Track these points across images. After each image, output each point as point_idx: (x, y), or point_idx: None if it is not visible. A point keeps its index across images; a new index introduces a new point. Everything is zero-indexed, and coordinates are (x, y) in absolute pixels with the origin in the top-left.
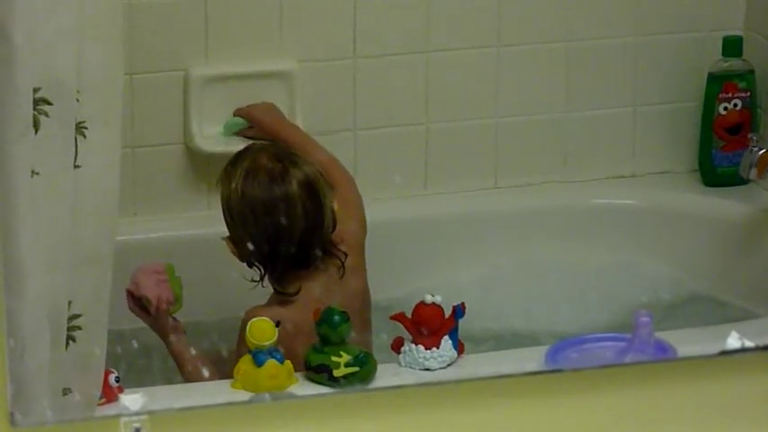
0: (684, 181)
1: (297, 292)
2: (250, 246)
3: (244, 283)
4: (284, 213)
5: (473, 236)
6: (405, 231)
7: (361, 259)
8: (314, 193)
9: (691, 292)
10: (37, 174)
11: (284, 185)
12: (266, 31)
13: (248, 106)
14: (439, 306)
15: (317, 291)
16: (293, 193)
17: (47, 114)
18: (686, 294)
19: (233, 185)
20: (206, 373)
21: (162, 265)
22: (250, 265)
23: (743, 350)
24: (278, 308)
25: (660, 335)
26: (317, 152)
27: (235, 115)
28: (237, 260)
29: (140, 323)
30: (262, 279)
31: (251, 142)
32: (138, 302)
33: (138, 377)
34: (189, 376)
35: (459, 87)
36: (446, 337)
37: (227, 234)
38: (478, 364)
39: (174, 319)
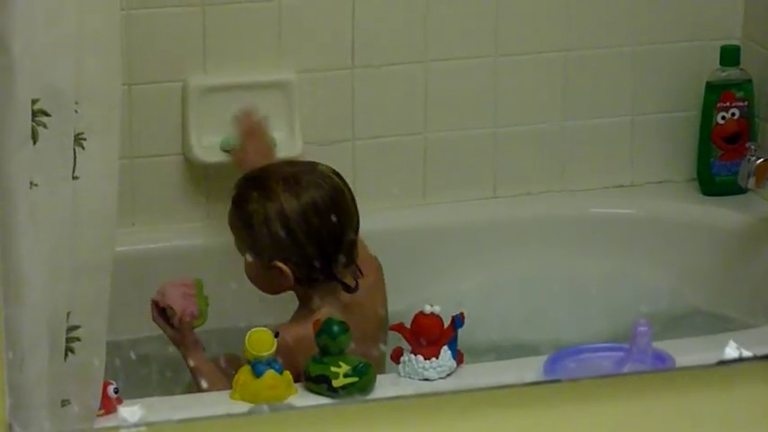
0: (683, 190)
1: (356, 287)
2: (314, 255)
3: (241, 294)
4: (342, 206)
5: (472, 245)
6: (403, 241)
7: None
8: (345, 185)
9: (689, 302)
10: (35, 185)
11: (329, 180)
12: (265, 42)
13: (245, 152)
14: (438, 316)
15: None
16: (338, 185)
17: (45, 125)
18: (684, 303)
19: (282, 201)
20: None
21: (191, 279)
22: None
23: (741, 360)
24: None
25: (658, 344)
26: None
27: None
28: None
29: (139, 333)
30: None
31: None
32: (162, 313)
33: (137, 388)
34: (205, 391)
35: (457, 97)
36: (445, 348)
37: (274, 260)
38: (477, 374)
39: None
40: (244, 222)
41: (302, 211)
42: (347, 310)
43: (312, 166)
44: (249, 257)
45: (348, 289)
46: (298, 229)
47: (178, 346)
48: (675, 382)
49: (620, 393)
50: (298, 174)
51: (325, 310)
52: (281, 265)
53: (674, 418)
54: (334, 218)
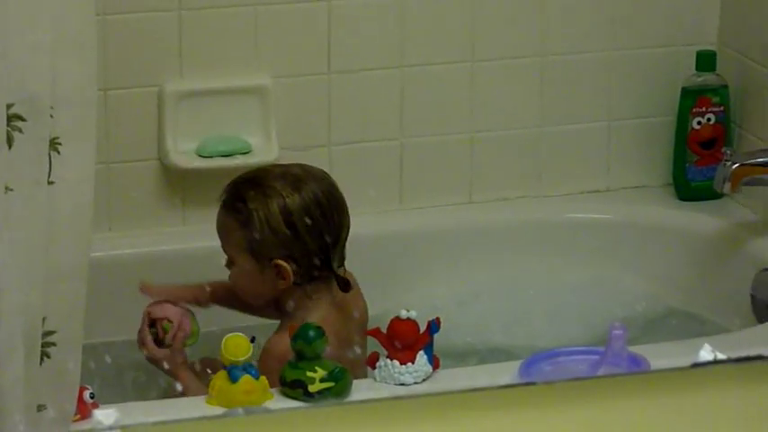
0: (659, 195)
1: (350, 285)
2: (315, 251)
3: None
4: (339, 201)
5: (448, 251)
6: (380, 247)
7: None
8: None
9: (665, 306)
10: (11, 190)
11: (325, 175)
12: (241, 47)
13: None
14: (414, 321)
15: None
16: (333, 181)
17: (20, 130)
18: (661, 308)
19: (284, 196)
20: None
21: (185, 307)
22: (297, 282)
23: (715, 362)
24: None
25: (634, 348)
26: None
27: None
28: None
29: (115, 338)
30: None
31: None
32: (152, 331)
33: (112, 393)
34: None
35: (433, 102)
36: (421, 352)
37: (274, 259)
38: (453, 378)
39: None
40: (241, 223)
41: (305, 206)
42: (339, 311)
43: (302, 164)
44: (243, 261)
45: (344, 286)
46: (300, 224)
47: (163, 363)
48: (650, 385)
49: (594, 396)
50: (293, 171)
51: (315, 316)
52: (281, 262)
53: (649, 420)
54: (334, 212)
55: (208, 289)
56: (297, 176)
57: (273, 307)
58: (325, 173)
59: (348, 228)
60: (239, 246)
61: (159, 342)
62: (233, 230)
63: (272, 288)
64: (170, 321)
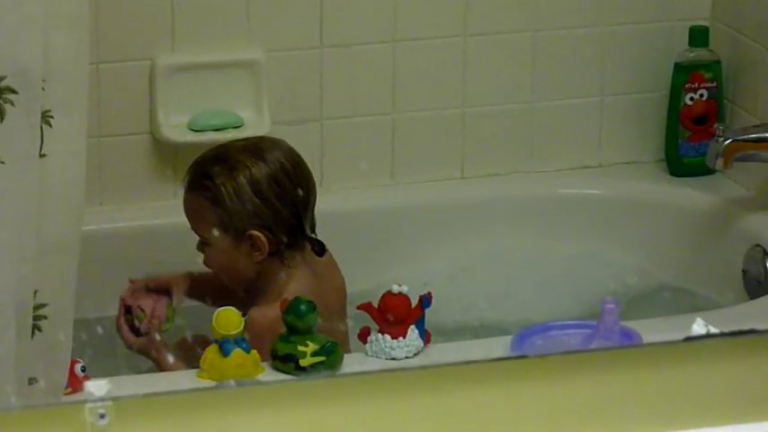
0: (651, 171)
1: (324, 248)
2: (288, 217)
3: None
4: (303, 167)
5: (440, 226)
6: (371, 221)
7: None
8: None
9: (657, 282)
10: (2, 163)
11: (285, 144)
12: (233, 21)
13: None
14: (405, 296)
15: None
16: (293, 149)
17: (12, 103)
18: (653, 284)
19: (249, 166)
20: None
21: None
22: (280, 251)
23: (708, 336)
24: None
25: (626, 323)
26: None
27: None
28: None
29: (106, 312)
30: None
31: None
32: (127, 319)
33: (104, 366)
34: None
35: (425, 77)
36: (412, 327)
37: (248, 230)
38: (444, 353)
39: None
40: (210, 200)
41: (271, 173)
42: (318, 279)
43: (262, 137)
44: (216, 239)
45: (319, 250)
46: (269, 191)
47: (141, 351)
48: (642, 359)
49: (586, 370)
50: (255, 142)
51: (296, 284)
52: (255, 232)
53: (641, 394)
54: (300, 177)
55: (178, 290)
56: (259, 147)
57: (251, 285)
58: (285, 141)
59: (315, 192)
60: (211, 223)
61: (136, 330)
62: (202, 209)
63: (249, 262)
64: (142, 310)
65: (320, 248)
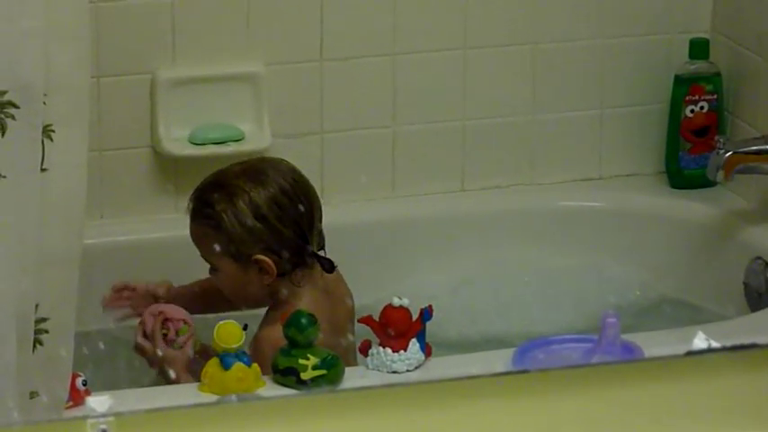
0: (651, 183)
1: (333, 266)
2: (291, 238)
3: None
4: (305, 186)
5: (440, 238)
6: (372, 234)
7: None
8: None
9: (658, 295)
10: (3, 177)
11: (286, 164)
12: (233, 34)
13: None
14: (406, 309)
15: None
16: (295, 167)
17: (13, 117)
18: (654, 297)
19: (248, 191)
20: None
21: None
22: (288, 272)
23: (709, 351)
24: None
25: (627, 337)
26: None
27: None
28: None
29: (107, 325)
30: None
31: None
32: (163, 332)
33: (105, 380)
34: None
35: (425, 90)
36: (413, 340)
37: (253, 255)
38: (446, 366)
39: None
40: (213, 228)
41: (271, 197)
42: (327, 296)
43: (260, 157)
44: (224, 265)
45: (329, 267)
46: (270, 214)
47: (172, 364)
48: (644, 373)
49: (588, 384)
50: (254, 165)
51: (304, 303)
52: (261, 257)
53: (643, 408)
54: (301, 196)
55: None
56: (257, 169)
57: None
58: (285, 160)
59: (320, 209)
60: (217, 251)
61: (167, 343)
62: (207, 237)
63: (259, 286)
64: (186, 323)
65: (329, 266)
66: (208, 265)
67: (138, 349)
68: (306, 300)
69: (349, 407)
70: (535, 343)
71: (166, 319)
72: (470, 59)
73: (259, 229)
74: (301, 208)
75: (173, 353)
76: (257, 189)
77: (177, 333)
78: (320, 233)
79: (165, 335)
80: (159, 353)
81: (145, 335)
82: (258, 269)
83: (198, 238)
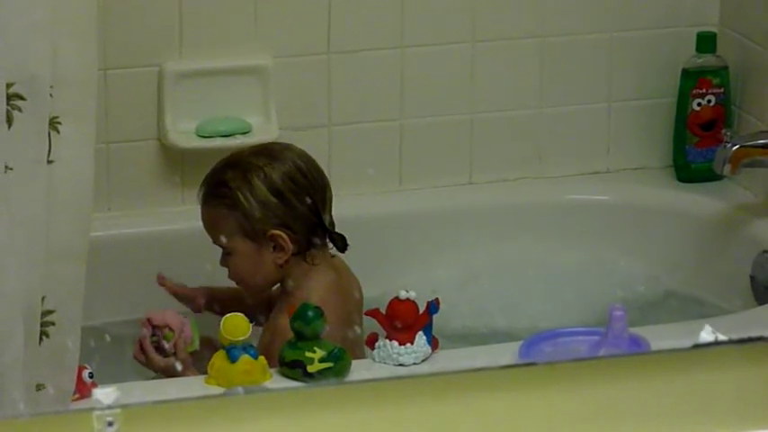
0: (659, 177)
1: (347, 244)
2: (307, 214)
3: (217, 277)
4: (316, 165)
5: (448, 232)
6: (379, 227)
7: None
8: None
9: (665, 288)
10: (10, 169)
11: (294, 146)
12: (241, 27)
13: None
14: (413, 302)
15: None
16: (302, 150)
17: (20, 110)
18: (661, 290)
19: (263, 167)
20: None
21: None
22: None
23: (716, 344)
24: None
25: (634, 330)
26: None
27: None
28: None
29: (114, 318)
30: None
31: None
32: (153, 340)
33: (112, 373)
34: None
35: (433, 83)
36: (420, 333)
37: (269, 231)
38: (452, 359)
39: None
40: (228, 206)
41: (286, 171)
42: (341, 276)
43: (272, 142)
44: (239, 245)
45: (341, 245)
46: (285, 189)
47: (170, 372)
48: (651, 366)
49: (595, 377)
50: (265, 146)
51: (321, 281)
52: (277, 232)
53: (649, 401)
54: (314, 173)
55: (201, 301)
56: (270, 149)
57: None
58: (296, 146)
59: (330, 191)
60: (231, 230)
61: (161, 350)
62: (221, 217)
63: (273, 266)
64: (171, 330)
65: (342, 243)
66: (216, 258)
67: (137, 361)
68: (321, 277)
69: (355, 400)
70: (542, 336)
71: (154, 326)
72: (478, 53)
73: (274, 204)
74: (314, 183)
75: (165, 363)
76: (272, 165)
77: (165, 339)
78: (331, 203)
79: (157, 342)
80: (157, 363)
81: (141, 346)
82: (273, 246)
83: (211, 219)
